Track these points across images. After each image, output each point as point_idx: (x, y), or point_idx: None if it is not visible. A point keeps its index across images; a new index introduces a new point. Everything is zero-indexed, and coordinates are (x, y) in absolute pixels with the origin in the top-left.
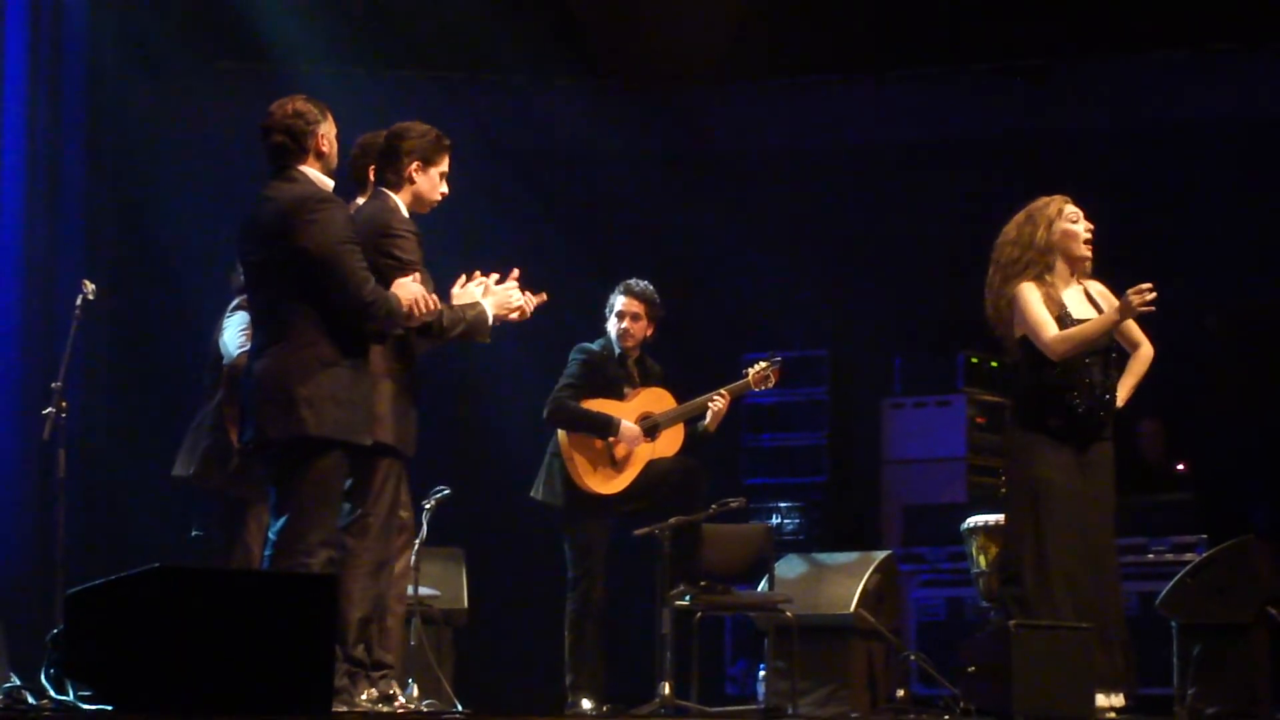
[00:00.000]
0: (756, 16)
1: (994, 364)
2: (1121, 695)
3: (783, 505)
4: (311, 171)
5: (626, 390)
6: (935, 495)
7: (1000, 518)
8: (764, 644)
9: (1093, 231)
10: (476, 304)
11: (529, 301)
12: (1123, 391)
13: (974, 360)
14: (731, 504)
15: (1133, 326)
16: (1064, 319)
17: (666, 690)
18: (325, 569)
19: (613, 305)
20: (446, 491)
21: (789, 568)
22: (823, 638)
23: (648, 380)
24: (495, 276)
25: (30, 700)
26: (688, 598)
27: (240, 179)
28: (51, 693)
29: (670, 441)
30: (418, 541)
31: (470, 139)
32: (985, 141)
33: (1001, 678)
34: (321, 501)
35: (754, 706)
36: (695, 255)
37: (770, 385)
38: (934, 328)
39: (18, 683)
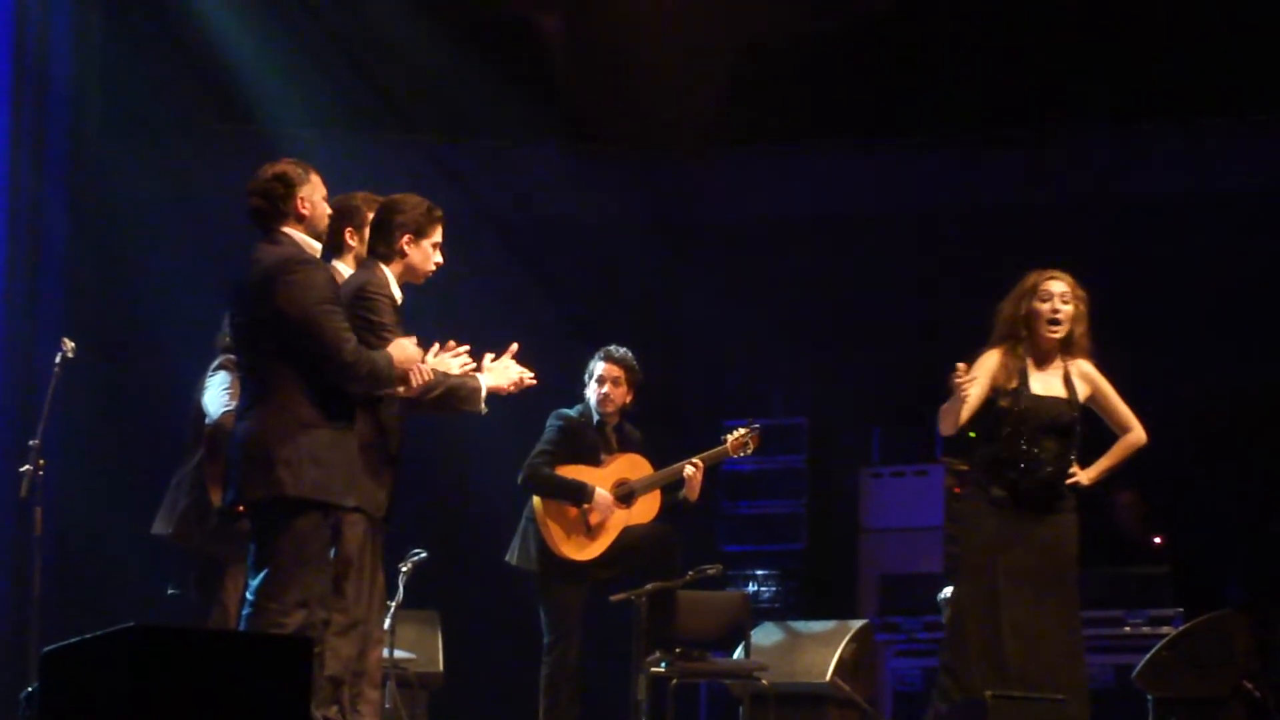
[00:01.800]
0: (743, 84)
1: (972, 434)
2: None
3: (760, 573)
4: (295, 234)
5: (603, 456)
6: (913, 564)
7: None
8: (739, 712)
9: (1068, 312)
10: (473, 375)
11: (524, 377)
12: (1093, 471)
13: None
14: (708, 571)
15: (1121, 410)
16: (1015, 392)
17: None
18: (301, 629)
19: (592, 371)
20: (423, 554)
21: (765, 635)
22: (798, 706)
23: (626, 446)
24: (491, 356)
25: None
26: (663, 664)
27: (222, 239)
28: None
29: (646, 508)
30: (393, 604)
31: (453, 203)
32: (970, 212)
33: None
34: (299, 561)
35: None
36: (676, 321)
37: (749, 452)
38: (913, 397)
39: None
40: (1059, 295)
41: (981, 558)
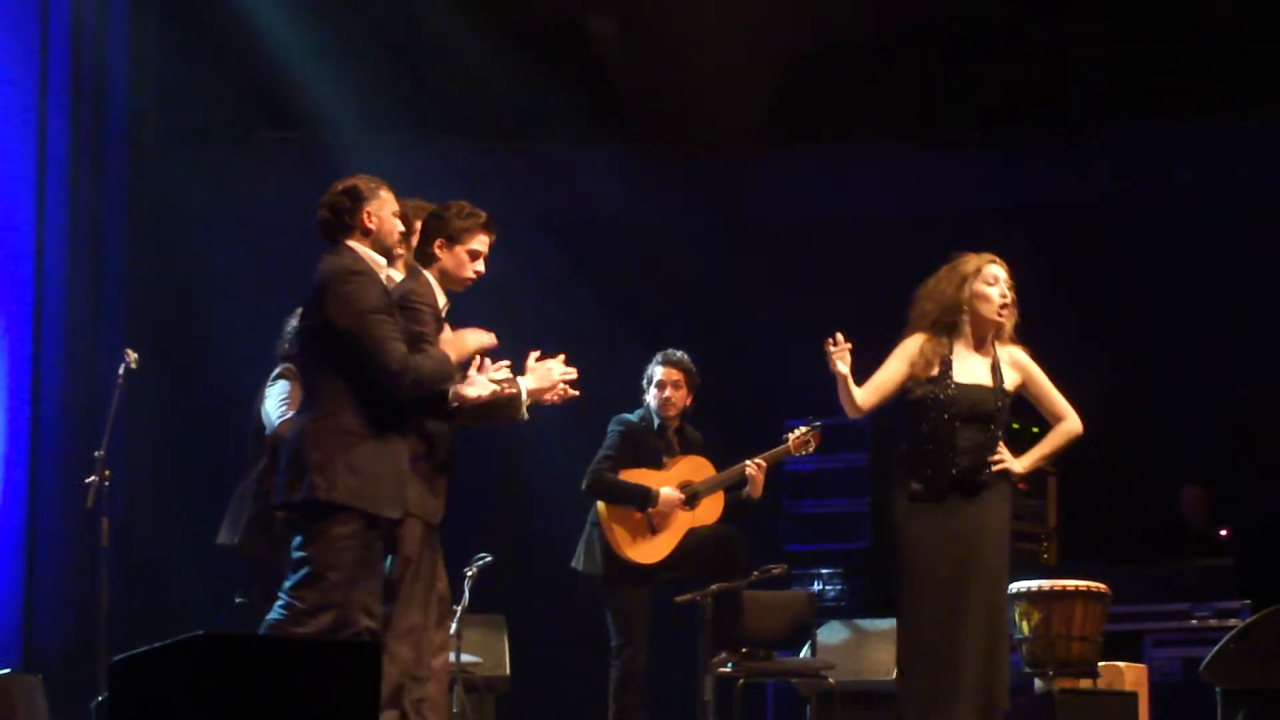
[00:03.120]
0: (795, 85)
1: (1035, 430)
2: None
3: (824, 571)
4: (359, 247)
5: (666, 460)
6: None
7: (1043, 583)
8: (806, 711)
9: (1012, 299)
10: (513, 381)
11: (566, 385)
12: (1027, 459)
13: (1015, 426)
14: (773, 570)
15: (1055, 399)
16: (936, 380)
17: None
18: (329, 632)
19: (651, 375)
20: (488, 559)
21: (831, 634)
22: (865, 704)
23: (688, 449)
24: (537, 354)
25: None
26: (730, 665)
27: (280, 246)
28: None
29: (710, 510)
30: (459, 609)
31: (510, 207)
32: (1028, 208)
33: None
34: (331, 565)
35: None
36: (735, 322)
37: (810, 450)
38: None
39: None
40: (1004, 279)
41: (912, 564)
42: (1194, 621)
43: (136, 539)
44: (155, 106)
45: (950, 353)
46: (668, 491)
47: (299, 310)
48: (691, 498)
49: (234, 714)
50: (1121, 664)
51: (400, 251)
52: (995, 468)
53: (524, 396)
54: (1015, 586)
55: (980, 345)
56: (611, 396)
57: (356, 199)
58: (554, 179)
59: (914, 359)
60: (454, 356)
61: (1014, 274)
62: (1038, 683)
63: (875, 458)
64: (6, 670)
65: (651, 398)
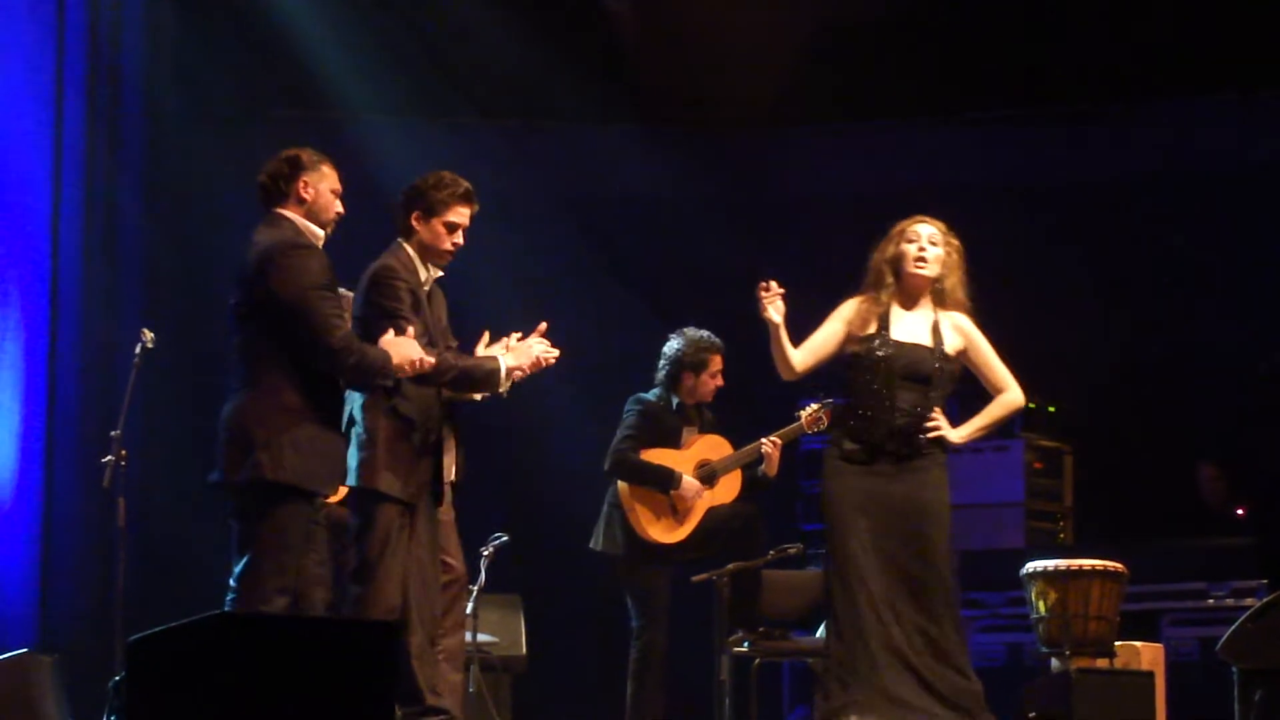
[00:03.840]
0: (815, 61)
1: (1051, 409)
2: None
3: None
4: (294, 217)
5: (684, 438)
6: (993, 540)
7: (1059, 562)
8: None
9: (937, 254)
10: (493, 357)
11: (544, 357)
12: (965, 429)
13: (1031, 405)
14: (790, 550)
15: (996, 369)
16: (872, 338)
17: None
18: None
19: (700, 362)
20: (505, 539)
21: None
22: None
23: (702, 428)
24: (518, 335)
25: None
26: (746, 644)
27: None
28: None
29: (728, 488)
30: (475, 589)
31: (529, 186)
32: (1045, 185)
33: None
34: (280, 547)
35: None
36: (752, 299)
37: (823, 428)
38: None
39: None
40: (927, 236)
41: (838, 523)
42: (1211, 601)
43: (153, 519)
44: (171, 84)
45: (888, 312)
46: (689, 480)
47: None
48: (710, 476)
49: (252, 694)
50: (1138, 643)
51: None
52: (931, 434)
53: (503, 373)
54: (1031, 566)
55: (915, 304)
56: (629, 375)
57: (296, 168)
58: (572, 157)
59: (850, 319)
60: (396, 359)
61: (952, 233)
62: (1054, 662)
63: None
64: (23, 650)
65: (693, 382)
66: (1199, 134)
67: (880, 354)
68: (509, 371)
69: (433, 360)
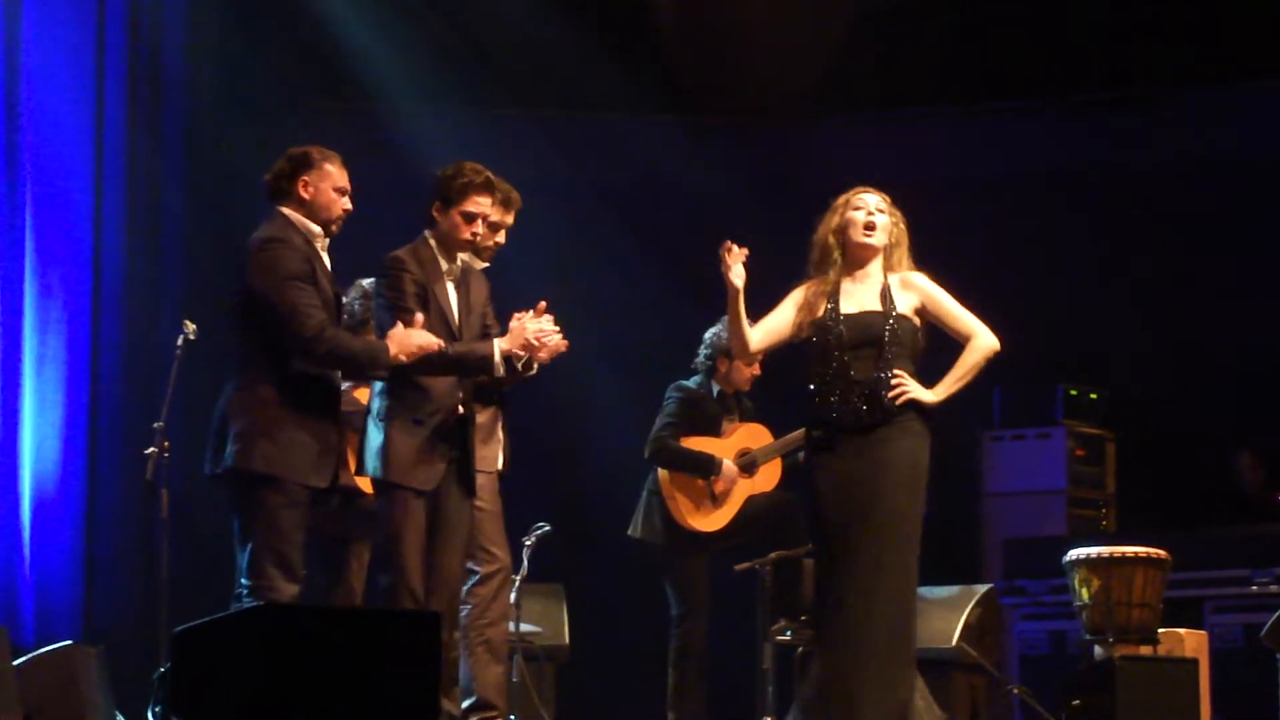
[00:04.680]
0: (851, 51)
1: (1093, 396)
2: None
3: None
4: (293, 214)
5: (725, 426)
6: (1036, 528)
7: (1102, 550)
8: None
9: (884, 222)
10: (485, 343)
11: (550, 335)
12: (940, 387)
13: (1073, 392)
14: None
15: (958, 317)
16: (825, 318)
17: None
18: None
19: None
20: (547, 528)
21: None
22: (925, 671)
23: (743, 417)
24: (530, 313)
25: None
26: (789, 632)
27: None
28: None
29: (768, 476)
30: (518, 578)
31: (567, 176)
32: (1084, 173)
33: (1107, 711)
34: (275, 537)
35: None
36: (791, 289)
37: None
38: (1033, 360)
39: None
40: (874, 204)
41: (810, 516)
42: (1254, 587)
43: (196, 510)
44: (212, 75)
45: (836, 290)
46: (729, 465)
47: (358, 281)
48: (750, 465)
49: (295, 685)
50: (1182, 630)
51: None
52: (899, 399)
53: (496, 355)
54: (1075, 553)
55: (864, 275)
56: (669, 363)
57: (297, 166)
58: (611, 147)
59: (800, 303)
60: (395, 349)
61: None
62: (1097, 649)
63: (933, 424)
64: (68, 642)
65: (733, 371)
66: (1241, 121)
67: (832, 332)
68: (504, 354)
69: (436, 345)
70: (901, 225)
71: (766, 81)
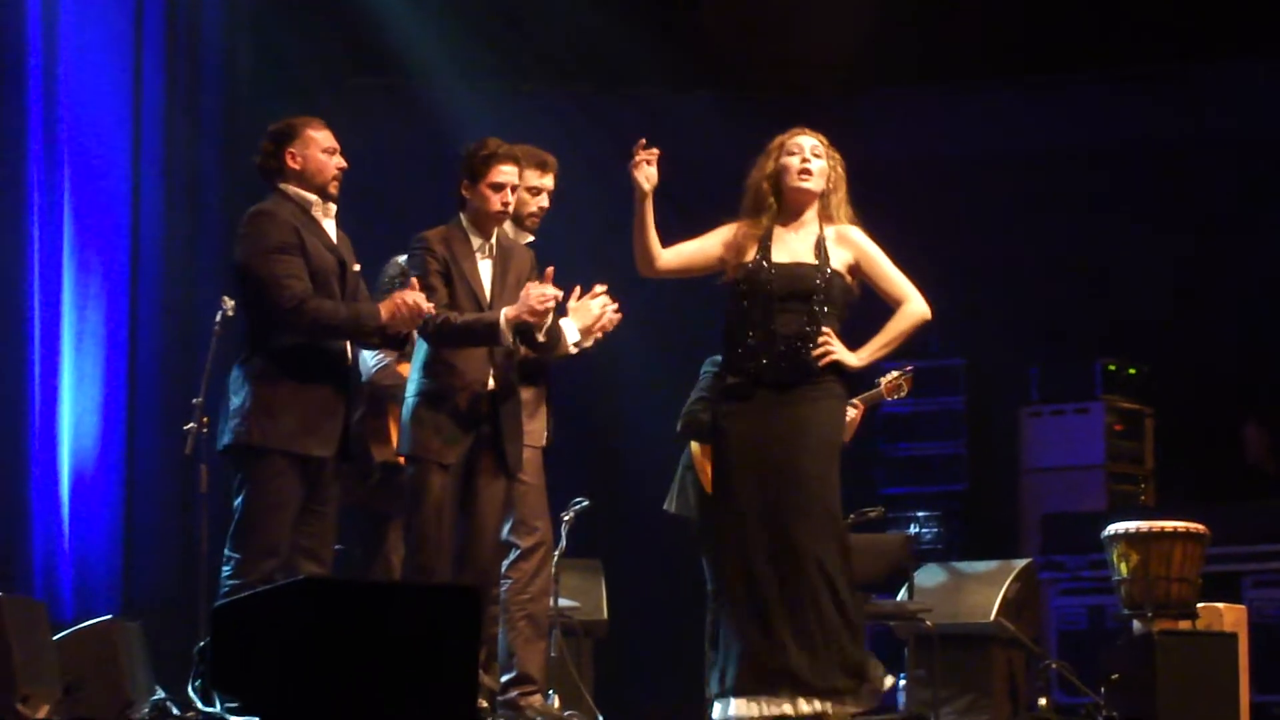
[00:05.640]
0: (889, 25)
1: (1132, 371)
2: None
3: (921, 514)
4: (291, 189)
5: None
6: (1074, 503)
7: (1141, 524)
8: (904, 654)
9: (821, 166)
10: (492, 313)
11: (606, 317)
12: (865, 350)
13: (1111, 367)
14: (870, 514)
15: (892, 279)
16: (753, 264)
17: None
18: (273, 577)
19: None
20: (585, 503)
21: (928, 577)
22: (963, 647)
23: None
24: (577, 293)
25: (176, 712)
26: None
27: (377, 194)
28: (199, 705)
29: None
30: (557, 553)
31: (606, 153)
32: (1123, 147)
33: (1145, 686)
34: (261, 508)
35: (894, 716)
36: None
37: (903, 395)
38: (1071, 335)
39: (163, 695)
40: (810, 148)
41: (720, 481)
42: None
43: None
44: (250, 54)
45: (769, 236)
46: None
47: (395, 259)
48: None
49: (336, 659)
50: (1220, 605)
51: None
52: (823, 359)
53: (502, 322)
54: (1113, 528)
55: (799, 223)
56: (706, 339)
57: (280, 141)
58: (651, 124)
59: (728, 241)
60: (387, 315)
61: (835, 147)
62: (1136, 624)
63: (972, 400)
64: (107, 617)
65: None
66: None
67: (760, 279)
68: (510, 322)
69: (428, 308)
70: (840, 170)
71: (805, 55)
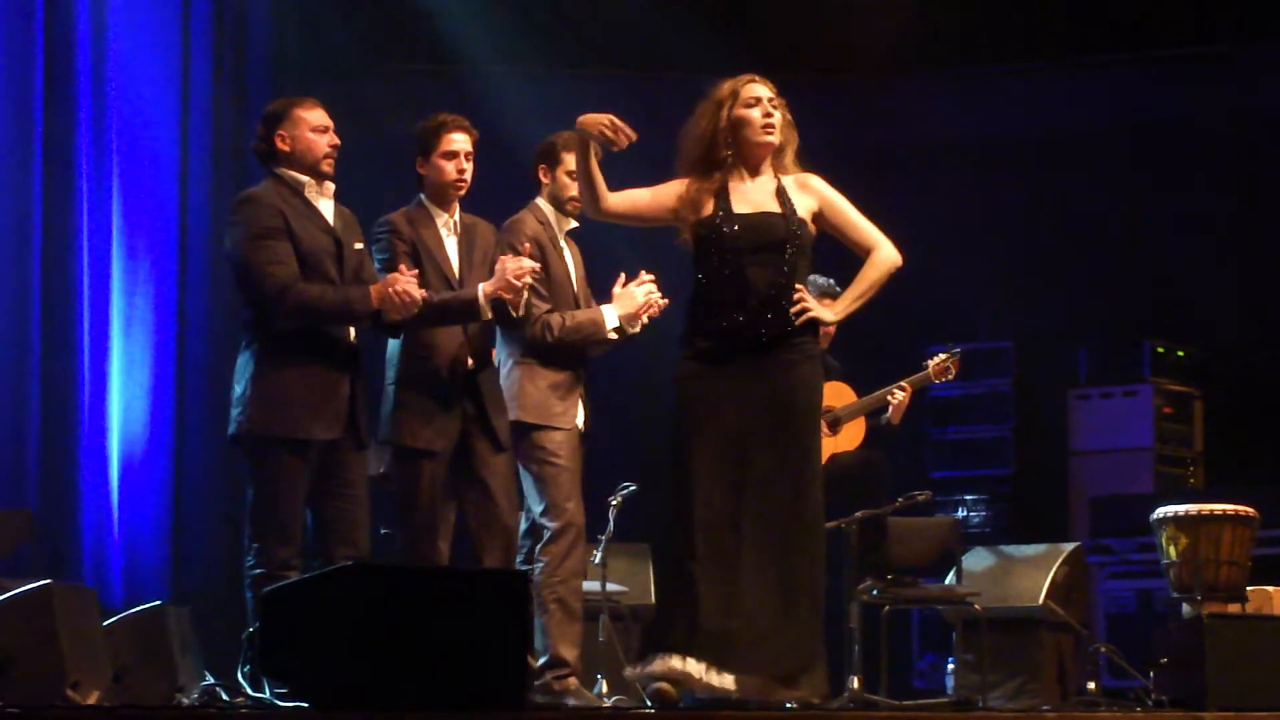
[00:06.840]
0: (934, 6)
1: (1181, 353)
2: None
3: (969, 498)
4: (282, 172)
5: None
6: (1122, 486)
7: (1190, 507)
8: (952, 637)
9: (779, 118)
10: (471, 289)
11: (652, 303)
12: (840, 304)
13: (1160, 350)
14: (918, 497)
15: (859, 226)
16: (715, 218)
17: (855, 684)
18: (290, 562)
19: None
20: (633, 487)
21: (976, 560)
22: (1011, 630)
23: (827, 375)
24: (622, 280)
25: (225, 698)
26: (875, 592)
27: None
28: (248, 690)
29: (852, 435)
30: (604, 538)
31: (650, 136)
32: (1171, 127)
33: (1195, 669)
34: (269, 495)
35: (943, 700)
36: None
37: (950, 377)
38: (1119, 317)
39: (213, 681)
40: (767, 99)
41: (682, 437)
42: None
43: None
44: (295, 39)
45: (725, 188)
46: None
47: None
48: (834, 423)
49: (384, 644)
50: (1270, 588)
51: (546, 181)
52: (800, 318)
53: (481, 298)
54: (1162, 511)
55: (756, 174)
56: None
57: (270, 125)
58: (692, 106)
59: (682, 195)
60: (376, 297)
61: (780, 92)
62: (1185, 608)
63: (1020, 383)
64: (156, 602)
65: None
66: None
67: (725, 231)
68: (488, 297)
69: (422, 295)
70: (789, 116)
71: (849, 38)
